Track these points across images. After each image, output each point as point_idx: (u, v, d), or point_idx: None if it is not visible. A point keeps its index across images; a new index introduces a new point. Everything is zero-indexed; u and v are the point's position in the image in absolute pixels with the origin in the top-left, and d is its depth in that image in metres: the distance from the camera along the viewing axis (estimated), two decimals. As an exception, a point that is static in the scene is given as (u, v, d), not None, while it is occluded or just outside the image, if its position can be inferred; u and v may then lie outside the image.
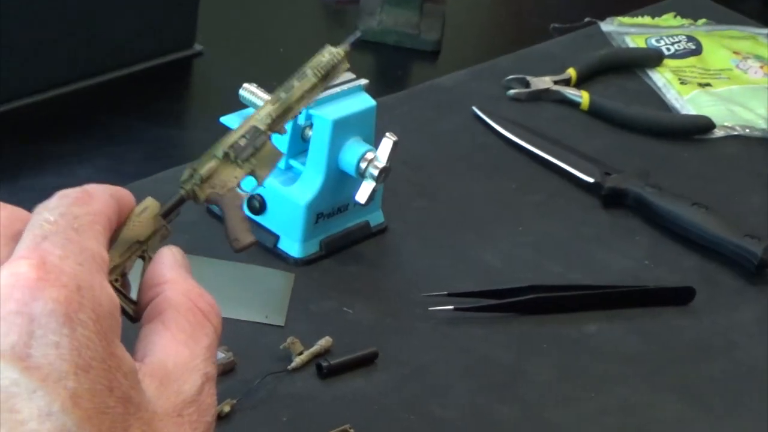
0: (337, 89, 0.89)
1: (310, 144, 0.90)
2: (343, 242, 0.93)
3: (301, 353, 0.81)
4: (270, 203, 0.91)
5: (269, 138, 0.62)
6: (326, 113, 0.88)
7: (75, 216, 0.51)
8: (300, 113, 0.65)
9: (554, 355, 0.87)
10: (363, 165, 0.89)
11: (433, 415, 0.80)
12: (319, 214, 0.91)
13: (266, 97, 0.93)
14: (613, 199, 1.01)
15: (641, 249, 0.97)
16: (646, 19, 1.29)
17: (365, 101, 0.90)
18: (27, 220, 0.52)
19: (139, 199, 0.95)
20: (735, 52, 1.22)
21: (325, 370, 0.80)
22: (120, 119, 1.10)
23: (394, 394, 0.81)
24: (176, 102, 1.16)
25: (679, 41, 1.22)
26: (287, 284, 0.88)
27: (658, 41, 1.23)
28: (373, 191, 0.90)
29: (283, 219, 0.91)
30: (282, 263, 0.90)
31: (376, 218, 0.95)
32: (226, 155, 0.62)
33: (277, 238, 0.91)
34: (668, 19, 1.29)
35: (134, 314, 0.55)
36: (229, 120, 0.94)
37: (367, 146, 0.89)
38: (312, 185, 0.90)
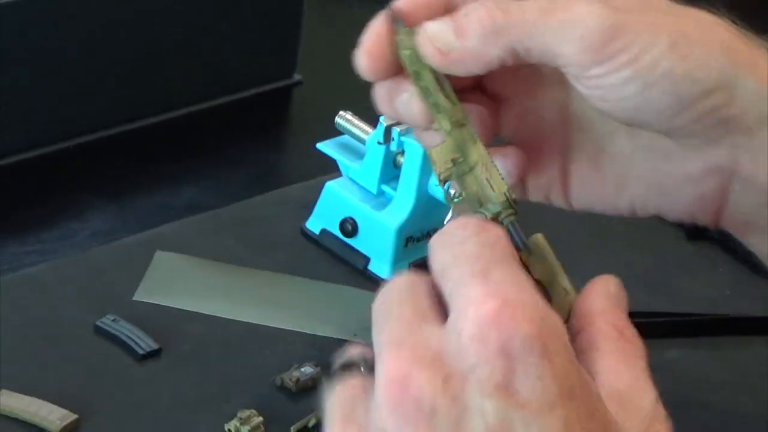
0: (429, 118, 0.93)
1: (401, 170, 0.93)
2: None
3: (387, 370, 0.84)
4: (362, 226, 0.94)
5: (464, 126, 0.61)
6: (418, 141, 0.92)
7: (491, 244, 0.52)
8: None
9: (635, 379, 0.88)
10: (452, 191, 0.92)
11: None
12: (409, 237, 0.94)
13: (362, 125, 0.97)
14: (697, 231, 1.02)
15: (724, 280, 0.98)
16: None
17: (456, 130, 0.93)
18: (427, 288, 0.52)
19: (242, 220, 0.99)
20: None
21: (408, 386, 0.83)
22: (223, 144, 1.14)
23: (476, 412, 0.83)
24: (277, 128, 1.20)
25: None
26: (376, 304, 0.91)
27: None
28: (462, 217, 0.93)
29: (374, 242, 0.94)
30: (372, 284, 0.93)
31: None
32: (472, 169, 0.60)
33: (368, 260, 0.94)
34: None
35: None
36: (325, 146, 0.98)
37: (457, 173, 0.92)
38: (403, 210, 0.93)
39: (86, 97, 1.13)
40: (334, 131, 0.98)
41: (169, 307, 0.89)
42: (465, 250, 0.51)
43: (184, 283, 0.91)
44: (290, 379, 0.83)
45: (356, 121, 0.96)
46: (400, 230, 0.93)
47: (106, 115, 1.15)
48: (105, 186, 1.08)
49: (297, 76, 1.23)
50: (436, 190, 0.92)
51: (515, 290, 0.49)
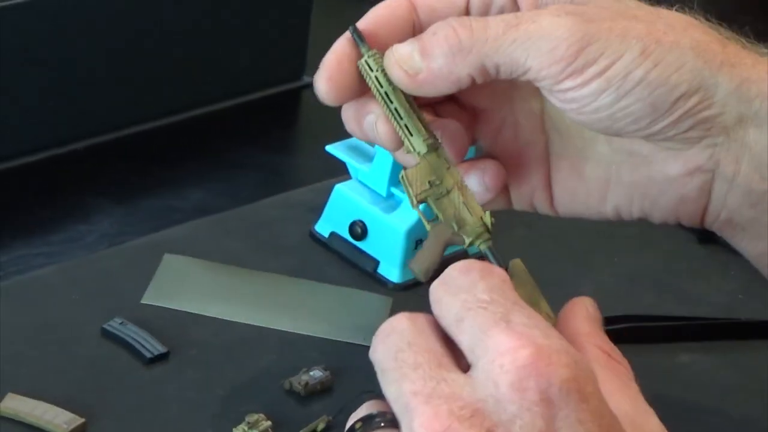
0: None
1: (411, 173, 0.93)
2: (442, 269, 0.95)
3: (396, 374, 0.84)
4: (371, 229, 0.94)
5: (437, 150, 0.61)
6: (427, 143, 0.91)
7: (500, 288, 0.52)
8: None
9: (646, 383, 0.87)
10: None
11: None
12: (419, 240, 0.93)
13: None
14: (708, 234, 1.01)
15: (736, 284, 0.98)
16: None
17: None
18: (434, 331, 0.53)
19: (251, 223, 0.99)
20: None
21: (418, 390, 0.83)
22: (232, 146, 1.14)
23: (486, 417, 0.83)
24: (285, 131, 1.20)
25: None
26: (385, 308, 0.91)
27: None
28: (471, 219, 0.92)
29: (383, 245, 0.94)
30: (381, 288, 0.93)
31: (474, 246, 0.97)
32: (448, 192, 0.61)
33: (377, 263, 0.94)
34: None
35: None
36: (335, 149, 0.98)
37: (466, 176, 0.92)
38: (412, 212, 0.92)
39: (94, 100, 1.12)
40: (344, 134, 0.97)
41: (177, 310, 0.89)
42: (477, 297, 0.51)
43: (193, 286, 0.91)
44: (299, 383, 0.83)
45: (365, 124, 0.96)
46: (410, 233, 0.93)
47: (113, 118, 1.15)
48: (112, 189, 1.07)
49: (306, 79, 1.23)
50: (446, 192, 0.92)
51: (541, 334, 0.49)
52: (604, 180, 0.66)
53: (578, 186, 0.67)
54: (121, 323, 0.86)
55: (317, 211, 0.97)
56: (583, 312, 0.56)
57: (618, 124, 0.61)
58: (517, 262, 0.59)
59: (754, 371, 0.90)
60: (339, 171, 0.99)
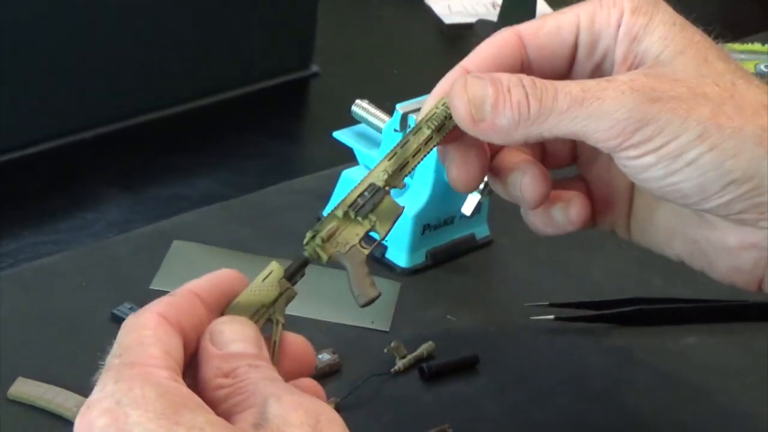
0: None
1: (418, 158, 0.93)
2: (449, 253, 0.95)
3: (404, 357, 0.84)
4: (379, 214, 0.94)
5: (388, 193, 0.64)
6: (434, 128, 0.91)
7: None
8: (415, 168, 0.67)
9: (654, 365, 0.88)
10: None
11: (533, 420, 0.82)
12: (426, 225, 0.94)
13: (378, 113, 0.97)
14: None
15: (743, 266, 0.98)
16: (757, 46, 1.30)
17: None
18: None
19: (259, 210, 0.99)
20: None
21: (427, 372, 0.83)
22: (239, 135, 1.15)
23: (494, 399, 0.83)
24: (293, 119, 1.20)
25: (788, 66, 1.23)
26: (393, 292, 0.91)
27: (767, 67, 1.24)
28: (479, 204, 0.92)
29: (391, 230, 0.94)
30: (390, 272, 0.93)
31: (482, 231, 0.98)
32: (345, 214, 0.63)
33: (385, 248, 0.94)
34: (779, 45, 1.30)
35: None
36: (342, 135, 0.98)
37: (473, 160, 0.92)
38: (420, 197, 0.93)
39: (101, 90, 1.13)
40: (351, 122, 0.98)
41: (186, 295, 0.89)
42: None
43: (202, 272, 0.90)
44: (308, 366, 0.83)
45: (372, 110, 0.96)
46: (417, 218, 0.93)
47: (120, 108, 1.15)
48: (120, 177, 1.08)
49: (314, 68, 1.23)
50: (453, 177, 0.92)
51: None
52: (672, 228, 0.68)
53: (650, 227, 0.69)
54: (130, 308, 0.86)
55: (324, 198, 0.97)
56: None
57: (667, 196, 0.62)
58: (274, 266, 0.61)
59: (760, 353, 0.90)
60: (345, 160, 0.99)
